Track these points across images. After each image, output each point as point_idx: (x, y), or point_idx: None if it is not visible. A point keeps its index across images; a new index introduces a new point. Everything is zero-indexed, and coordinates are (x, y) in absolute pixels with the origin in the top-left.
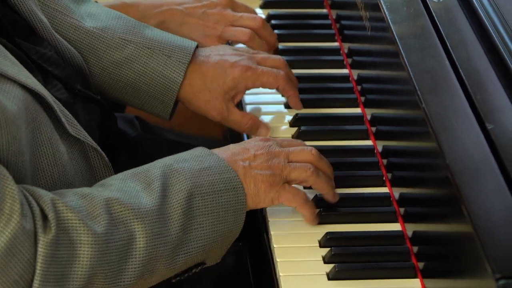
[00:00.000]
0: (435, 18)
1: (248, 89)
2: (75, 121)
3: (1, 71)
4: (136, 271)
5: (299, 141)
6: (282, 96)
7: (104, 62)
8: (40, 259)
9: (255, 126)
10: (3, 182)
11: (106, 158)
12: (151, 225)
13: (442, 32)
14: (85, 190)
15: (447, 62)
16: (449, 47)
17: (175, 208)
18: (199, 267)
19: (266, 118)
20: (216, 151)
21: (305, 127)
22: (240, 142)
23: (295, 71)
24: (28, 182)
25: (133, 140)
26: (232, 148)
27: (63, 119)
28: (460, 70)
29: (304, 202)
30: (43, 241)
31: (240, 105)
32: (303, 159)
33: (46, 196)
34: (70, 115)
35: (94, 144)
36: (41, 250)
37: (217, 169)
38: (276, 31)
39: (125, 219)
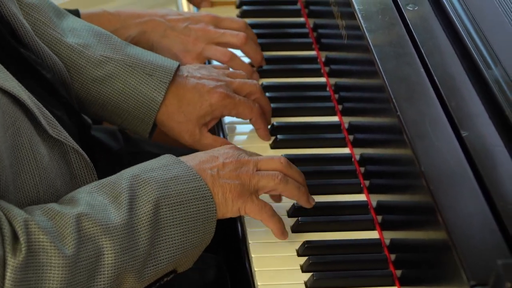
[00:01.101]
0: (410, 26)
1: (223, 116)
2: (56, 122)
3: None
4: (105, 287)
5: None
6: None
7: (84, 78)
8: (8, 283)
9: None
10: None
11: (88, 159)
12: (119, 240)
13: (417, 40)
14: (55, 207)
15: (422, 69)
16: (424, 55)
17: (142, 221)
18: (171, 275)
19: (243, 128)
20: (184, 158)
21: (282, 136)
22: (209, 150)
23: (272, 80)
24: (10, 187)
25: (116, 153)
26: (200, 155)
27: (43, 121)
28: (435, 77)
29: (270, 216)
30: (12, 264)
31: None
32: (272, 167)
33: (19, 216)
34: (51, 116)
35: (75, 145)
36: (9, 274)
37: (185, 178)
38: None
39: (94, 236)
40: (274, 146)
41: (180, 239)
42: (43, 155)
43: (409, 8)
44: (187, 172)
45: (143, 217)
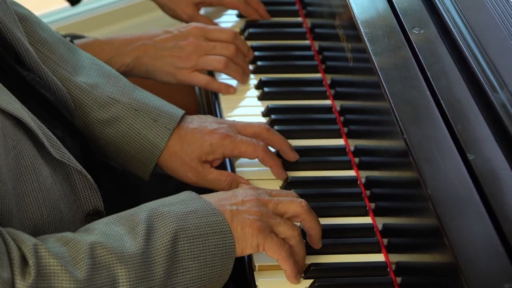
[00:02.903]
0: (416, 49)
1: (226, 157)
2: (59, 143)
3: None
4: None
5: (290, 191)
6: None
7: (90, 118)
8: None
9: (235, 182)
10: None
11: (92, 180)
12: (134, 269)
13: (423, 63)
14: (68, 235)
15: (428, 92)
16: (430, 78)
17: (159, 252)
18: None
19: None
20: (204, 196)
21: None
22: (229, 190)
23: (277, 102)
24: (13, 210)
25: (120, 172)
26: (219, 194)
27: (46, 143)
28: (441, 101)
29: (288, 256)
30: (21, 286)
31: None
32: (293, 210)
33: (29, 241)
34: (54, 137)
35: (79, 166)
36: None
37: (204, 212)
38: (259, 63)
39: (108, 263)
40: None
41: (198, 272)
42: (46, 176)
43: (415, 31)
44: (206, 206)
45: (160, 247)
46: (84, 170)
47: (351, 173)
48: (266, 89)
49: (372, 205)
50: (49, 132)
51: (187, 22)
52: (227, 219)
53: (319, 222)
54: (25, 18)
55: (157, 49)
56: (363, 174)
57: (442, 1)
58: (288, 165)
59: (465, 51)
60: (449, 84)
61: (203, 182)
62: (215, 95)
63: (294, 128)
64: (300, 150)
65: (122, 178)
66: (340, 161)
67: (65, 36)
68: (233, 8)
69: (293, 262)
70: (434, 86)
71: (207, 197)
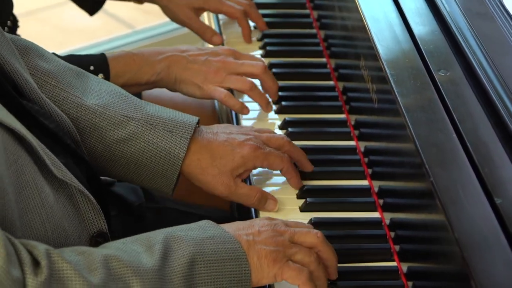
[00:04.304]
0: (442, 91)
1: (256, 168)
2: (60, 163)
3: None
4: None
5: (306, 224)
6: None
7: (107, 140)
8: None
9: (263, 198)
10: None
11: (94, 201)
12: (150, 284)
13: (449, 105)
14: (83, 247)
15: (454, 135)
16: (456, 120)
17: (176, 272)
18: None
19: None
20: (221, 225)
21: (311, 199)
22: (246, 221)
23: (301, 142)
24: (17, 223)
25: (136, 208)
26: (237, 223)
27: (48, 161)
28: (468, 143)
29: (308, 280)
30: (32, 284)
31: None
32: (309, 241)
33: (40, 246)
34: (55, 157)
35: (81, 187)
36: None
37: (221, 238)
38: (283, 103)
39: (124, 276)
40: (303, 209)
41: None
42: (48, 194)
43: (441, 74)
44: (223, 234)
45: (177, 268)
46: (86, 191)
47: (376, 214)
48: (290, 129)
49: (397, 247)
50: (50, 153)
51: (186, 25)
52: (243, 248)
53: (335, 253)
54: (27, 51)
55: (188, 61)
56: (387, 216)
57: (468, 42)
58: (311, 207)
59: (491, 93)
60: (475, 126)
61: (234, 196)
62: (236, 114)
63: (318, 170)
64: (324, 191)
65: (139, 213)
66: (364, 203)
67: (97, 54)
68: (231, 17)
69: (313, 285)
70: (460, 129)
71: (225, 226)
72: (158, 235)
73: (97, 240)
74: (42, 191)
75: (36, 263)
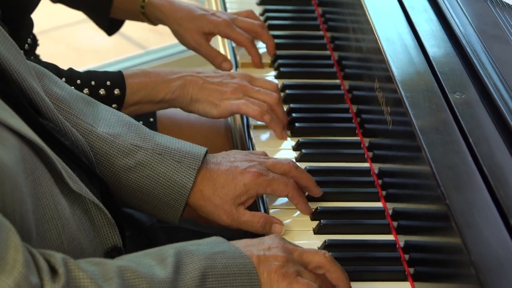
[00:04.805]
0: (457, 113)
1: (259, 195)
2: (76, 177)
3: (0, 119)
4: None
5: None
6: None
7: (115, 167)
8: None
9: (268, 223)
10: (5, 232)
11: (109, 215)
12: None
13: (464, 128)
14: (97, 258)
15: (470, 158)
16: (472, 143)
17: (188, 285)
18: None
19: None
20: (232, 241)
21: (325, 221)
22: (256, 238)
23: (314, 164)
24: (33, 233)
25: (148, 229)
26: (247, 240)
27: (64, 174)
28: (483, 166)
29: None
30: None
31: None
32: (317, 260)
33: (57, 255)
34: (71, 171)
35: (96, 201)
36: None
37: (231, 253)
38: (297, 125)
39: (138, 286)
40: (317, 231)
41: None
42: (64, 206)
43: (456, 96)
44: (234, 249)
45: (189, 281)
46: (102, 205)
47: (390, 237)
48: (304, 151)
49: (411, 269)
50: (66, 166)
51: (195, 50)
52: (253, 263)
53: (345, 273)
54: (42, 76)
55: (204, 81)
56: (402, 238)
57: (483, 65)
58: (325, 229)
59: (507, 115)
60: (490, 149)
61: (237, 224)
62: (248, 133)
63: (331, 191)
64: (338, 212)
65: (151, 233)
66: (378, 225)
67: (115, 72)
68: (239, 45)
69: None
70: (476, 151)
71: (235, 242)
72: (169, 249)
73: (112, 255)
74: (59, 203)
75: (53, 270)
